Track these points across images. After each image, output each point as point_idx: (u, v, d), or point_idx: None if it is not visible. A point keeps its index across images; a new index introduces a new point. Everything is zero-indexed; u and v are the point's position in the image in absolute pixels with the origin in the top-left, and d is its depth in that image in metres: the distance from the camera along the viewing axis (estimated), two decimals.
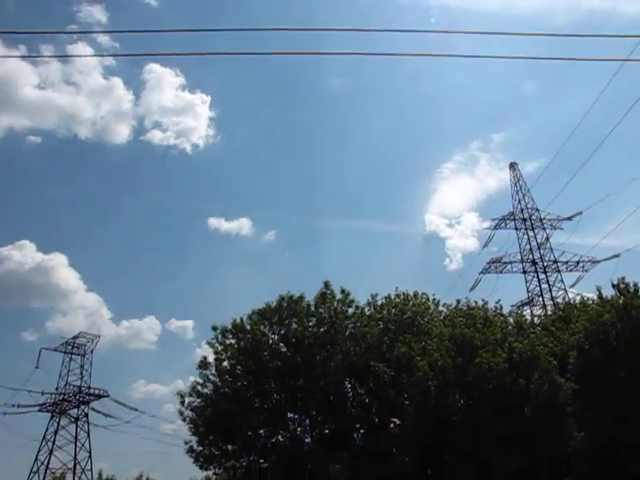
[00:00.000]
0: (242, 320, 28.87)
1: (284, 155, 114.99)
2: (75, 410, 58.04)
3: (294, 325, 28.14)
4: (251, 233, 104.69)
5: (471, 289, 54.72)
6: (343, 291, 29.24)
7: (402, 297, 29.92)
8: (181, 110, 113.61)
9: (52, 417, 57.18)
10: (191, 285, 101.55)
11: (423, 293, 30.49)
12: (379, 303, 29.98)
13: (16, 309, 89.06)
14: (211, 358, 28.88)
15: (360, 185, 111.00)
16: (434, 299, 30.69)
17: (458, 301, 29.80)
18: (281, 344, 28.21)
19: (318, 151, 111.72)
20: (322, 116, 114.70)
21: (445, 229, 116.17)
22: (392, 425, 27.97)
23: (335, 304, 28.78)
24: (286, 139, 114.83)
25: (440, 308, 30.46)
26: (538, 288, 52.34)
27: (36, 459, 55.12)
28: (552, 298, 50.96)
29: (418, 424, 24.33)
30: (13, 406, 52.53)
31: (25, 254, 78.67)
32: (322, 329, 28.23)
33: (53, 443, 55.85)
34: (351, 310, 29.11)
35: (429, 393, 24.39)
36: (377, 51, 10.61)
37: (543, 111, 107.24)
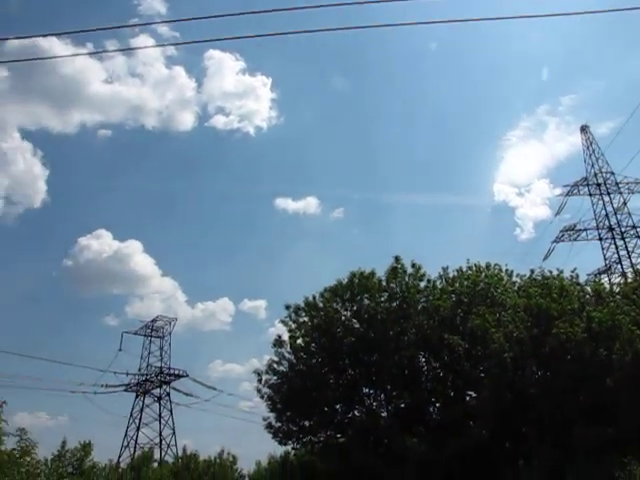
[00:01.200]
0: (314, 298, 29.24)
1: (347, 132, 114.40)
2: (157, 390, 60.64)
3: (366, 301, 28.25)
4: (318, 212, 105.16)
5: (544, 258, 53.26)
6: (414, 265, 29.05)
7: (474, 269, 29.44)
8: (243, 94, 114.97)
9: (137, 396, 60.02)
10: (262, 266, 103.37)
11: (495, 264, 29.90)
12: (451, 276, 29.65)
13: (97, 296, 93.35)
14: (285, 336, 29.48)
15: (425, 158, 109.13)
16: (507, 270, 30.07)
17: (532, 271, 29.12)
18: (354, 320, 28.42)
19: (381, 125, 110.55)
20: (383, 89, 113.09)
21: (514, 198, 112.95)
22: (468, 398, 27.77)
23: (406, 278, 28.65)
24: (348, 115, 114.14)
25: (514, 279, 29.83)
26: (616, 255, 50.36)
27: (126, 435, 58.21)
28: (632, 265, 48.90)
29: (495, 397, 24.09)
30: (102, 386, 55.42)
31: (103, 243, 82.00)
32: (394, 304, 28.20)
33: (140, 420, 58.73)
34: (422, 284, 28.92)
35: (505, 365, 24.06)
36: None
37: (615, 69, 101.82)
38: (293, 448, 32.07)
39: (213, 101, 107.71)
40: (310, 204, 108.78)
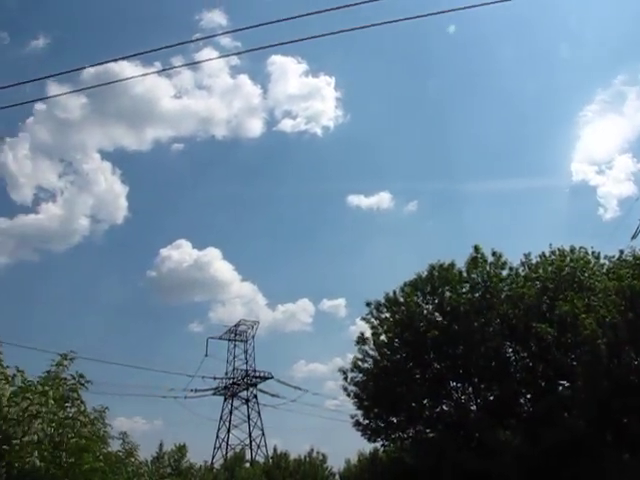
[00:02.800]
0: (395, 293, 29.04)
1: (416, 124, 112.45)
2: (245, 392, 62.14)
3: (447, 293, 27.76)
4: (392, 206, 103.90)
5: (633, 237, 50.42)
6: (494, 253, 28.28)
7: (558, 254, 28.32)
8: (308, 95, 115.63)
9: (225, 399, 61.78)
10: (338, 264, 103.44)
11: (580, 247, 28.60)
12: (533, 262, 28.65)
13: (181, 304, 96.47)
14: (368, 333, 29.44)
15: (498, 143, 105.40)
16: (593, 252, 28.71)
17: (621, 252, 27.60)
18: (436, 313, 28.02)
19: (449, 114, 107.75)
20: (448, 76, 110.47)
21: (595, 177, 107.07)
22: (561, 388, 26.78)
23: (487, 268, 27.95)
24: (415, 107, 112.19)
25: (601, 261, 28.44)
26: None
27: (217, 437, 60.13)
28: None
29: (590, 386, 23.06)
30: (191, 391, 57.36)
31: (183, 252, 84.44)
32: (476, 294, 27.57)
33: (229, 423, 60.45)
34: (505, 272, 28.10)
35: (599, 352, 22.94)
36: None
37: None
38: (382, 445, 32.02)
39: (279, 105, 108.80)
40: (383, 199, 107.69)
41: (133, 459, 12.22)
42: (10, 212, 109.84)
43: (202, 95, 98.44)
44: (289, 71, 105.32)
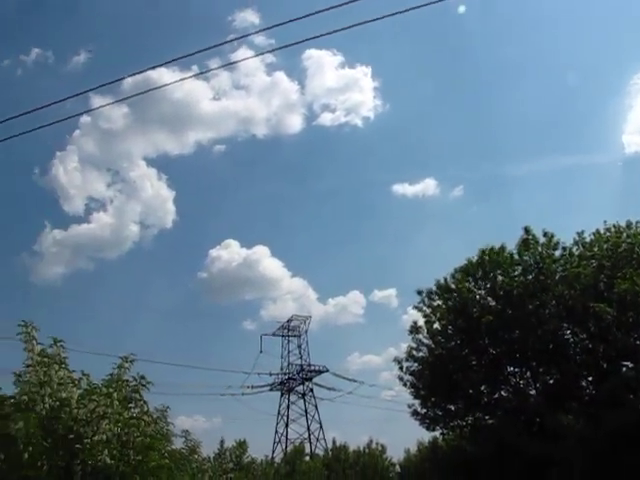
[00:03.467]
0: (446, 280, 28.75)
1: (457, 107, 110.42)
2: (301, 387, 62.75)
3: (499, 277, 27.29)
4: (437, 192, 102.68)
5: None
6: (545, 234, 27.58)
7: (613, 230, 27.41)
8: (345, 87, 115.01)
9: (282, 394, 62.57)
10: (387, 254, 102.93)
11: (637, 222, 27.57)
12: (587, 240, 27.82)
13: (233, 303, 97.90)
14: (421, 322, 29.25)
15: (543, 120, 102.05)
16: None
17: None
18: (489, 298, 27.60)
19: (491, 94, 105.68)
20: (486, 54, 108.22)
21: None
22: (624, 369, 25.98)
23: (539, 249, 27.32)
24: (455, 90, 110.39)
25: None
26: None
27: (276, 431, 61.03)
28: None
29: None
30: (248, 387, 58.27)
31: (231, 252, 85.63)
32: (529, 277, 26.98)
33: (287, 417, 61.24)
34: (558, 253, 27.36)
35: None
36: None
37: None
38: (441, 433, 31.86)
39: (317, 100, 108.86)
40: (428, 186, 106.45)
41: (196, 456, 12.55)
42: (64, 223, 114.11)
43: (240, 95, 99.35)
44: (325, 64, 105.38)
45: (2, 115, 9.03)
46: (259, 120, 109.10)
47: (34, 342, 9.82)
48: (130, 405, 10.25)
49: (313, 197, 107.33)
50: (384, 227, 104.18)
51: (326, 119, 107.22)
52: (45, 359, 9.73)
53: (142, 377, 10.35)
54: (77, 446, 9.22)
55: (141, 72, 9.42)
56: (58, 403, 9.45)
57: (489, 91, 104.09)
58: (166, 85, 8.91)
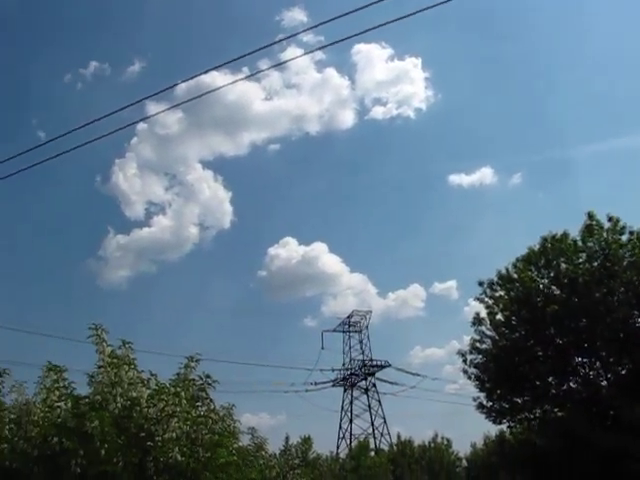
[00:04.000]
0: (507, 270, 28.02)
1: (511, 93, 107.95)
2: (363, 382, 62.76)
3: (563, 265, 26.36)
4: (495, 181, 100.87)
5: None
6: (610, 219, 26.47)
7: None
8: (396, 79, 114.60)
9: (345, 390, 62.75)
10: (446, 246, 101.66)
11: None
12: None
13: (293, 300, 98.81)
14: (483, 313, 28.63)
15: (603, 100, 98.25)
16: None
17: None
18: (553, 287, 26.71)
19: (548, 76, 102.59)
20: (540, 38, 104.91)
21: None
22: None
23: (604, 234, 26.30)
24: (507, 76, 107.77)
25: None
26: None
27: (340, 427, 61.29)
28: None
29: None
30: (311, 384, 58.76)
31: (290, 249, 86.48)
32: (595, 264, 25.96)
33: (351, 413, 61.40)
34: (624, 237, 26.26)
35: None
36: None
37: None
38: (508, 427, 31.19)
39: (369, 94, 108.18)
40: (485, 175, 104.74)
41: (263, 452, 12.79)
42: (126, 228, 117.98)
43: (292, 94, 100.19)
44: (374, 58, 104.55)
45: (65, 127, 9.44)
46: (311, 117, 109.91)
47: (104, 344, 10.25)
48: (197, 404, 10.55)
49: (369, 191, 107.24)
50: (442, 218, 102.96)
51: (378, 112, 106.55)
52: (115, 360, 10.13)
53: (208, 376, 10.63)
54: (149, 443, 9.56)
55: (193, 77, 9.63)
56: (129, 402, 9.83)
57: (545, 76, 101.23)
58: (219, 88, 9.09)
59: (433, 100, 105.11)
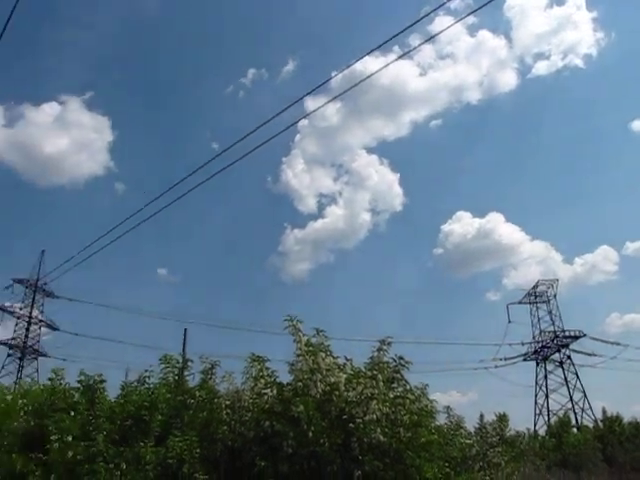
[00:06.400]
0: None
1: None
2: (557, 354, 59.38)
3: None
4: None
5: None
6: None
7: None
8: (557, 28, 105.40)
9: (537, 364, 59.83)
10: (635, 199, 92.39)
11: None
12: None
13: (472, 275, 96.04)
14: None
15: None
16: None
17: None
18: None
19: None
20: None
21: None
22: None
23: None
24: None
25: None
26: None
27: (535, 403, 58.63)
28: None
29: None
30: (500, 359, 56.91)
31: (464, 224, 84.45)
32: None
33: (546, 388, 58.40)
34: None
35: None
36: None
37: None
38: None
39: (528, 50, 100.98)
40: None
41: (462, 431, 12.74)
42: (301, 223, 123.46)
43: (447, 64, 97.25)
44: (529, 9, 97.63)
45: (234, 136, 10.14)
46: (470, 85, 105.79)
47: (300, 334, 10.85)
48: (393, 385, 10.78)
49: (540, 153, 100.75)
50: (622, 170, 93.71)
51: (541, 68, 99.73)
52: (311, 348, 10.69)
53: (401, 358, 10.81)
54: (350, 425, 9.99)
55: (347, 67, 9.72)
56: (329, 387, 10.36)
57: None
58: (373, 74, 9.09)
59: (604, 43, 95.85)
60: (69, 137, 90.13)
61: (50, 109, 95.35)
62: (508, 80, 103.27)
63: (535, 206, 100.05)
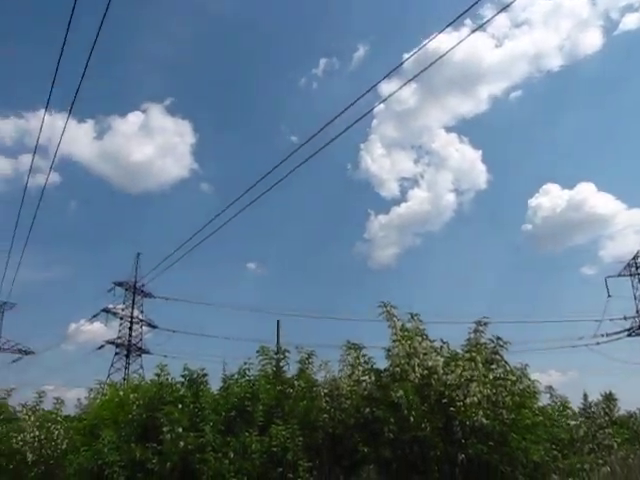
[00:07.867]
0: None
1: None
2: None
3: None
4: None
5: None
6: None
7: None
8: None
9: None
10: None
11: None
12: None
13: (565, 250, 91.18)
14: None
15: None
16: None
17: None
18: None
19: None
20: None
21: None
22: None
23: None
24: None
25: None
26: None
27: None
28: None
29: None
30: (602, 335, 54.34)
31: (553, 197, 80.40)
32: None
33: None
34: None
35: None
36: None
37: None
38: None
39: (614, 3, 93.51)
40: None
41: (568, 411, 12.28)
42: (385, 208, 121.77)
43: (523, 32, 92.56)
44: None
45: (312, 127, 10.09)
46: (550, 51, 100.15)
47: (395, 319, 10.81)
48: (492, 367, 10.51)
49: (633, 115, 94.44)
50: None
51: (629, 22, 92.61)
52: (407, 333, 10.63)
53: (499, 338, 10.53)
54: (451, 409, 9.87)
55: (420, 48, 9.47)
56: (427, 371, 10.27)
57: None
58: (447, 52, 8.75)
59: None
60: (154, 143, 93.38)
61: (135, 118, 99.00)
62: (592, 41, 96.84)
63: (629, 172, 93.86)
